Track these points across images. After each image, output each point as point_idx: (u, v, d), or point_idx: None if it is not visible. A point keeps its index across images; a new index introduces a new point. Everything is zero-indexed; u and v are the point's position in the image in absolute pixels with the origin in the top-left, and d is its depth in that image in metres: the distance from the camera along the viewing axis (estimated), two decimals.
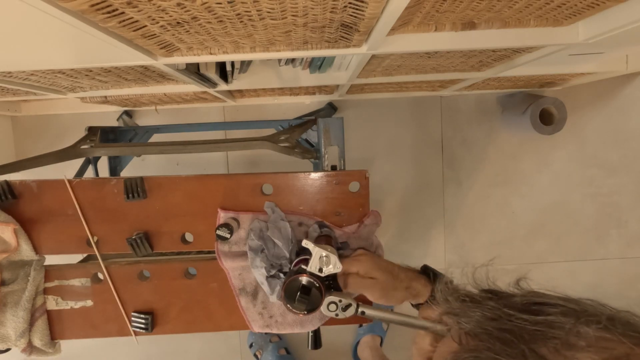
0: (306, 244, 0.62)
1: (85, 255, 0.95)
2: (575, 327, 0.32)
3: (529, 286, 0.41)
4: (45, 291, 0.81)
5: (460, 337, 0.38)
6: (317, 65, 0.96)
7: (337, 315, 0.62)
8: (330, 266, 0.61)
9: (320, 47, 0.69)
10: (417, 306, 0.70)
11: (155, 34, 0.57)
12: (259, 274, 0.76)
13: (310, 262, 0.61)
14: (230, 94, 1.33)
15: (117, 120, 1.48)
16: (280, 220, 0.77)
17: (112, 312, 0.82)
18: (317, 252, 0.61)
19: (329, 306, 0.61)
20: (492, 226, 1.63)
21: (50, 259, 0.83)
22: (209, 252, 0.84)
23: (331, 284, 0.65)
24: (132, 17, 0.49)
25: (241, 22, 0.54)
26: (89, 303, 0.82)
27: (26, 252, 0.79)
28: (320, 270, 0.61)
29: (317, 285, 0.60)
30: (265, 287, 0.77)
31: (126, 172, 1.39)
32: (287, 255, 0.74)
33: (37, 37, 0.61)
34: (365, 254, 0.72)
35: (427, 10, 0.59)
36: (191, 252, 0.87)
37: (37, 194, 0.80)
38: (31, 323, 0.78)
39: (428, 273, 0.71)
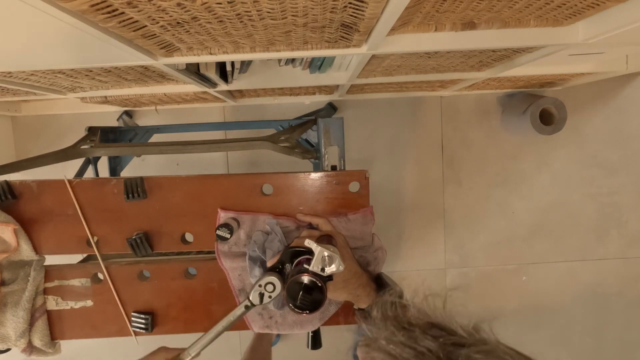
0: (309, 243, 0.62)
1: (85, 255, 0.95)
2: None
3: (489, 334, 0.32)
4: (45, 291, 0.81)
5: None
6: (317, 65, 0.96)
7: (270, 297, 0.62)
8: (333, 266, 0.60)
9: (320, 47, 0.69)
10: (358, 310, 0.71)
11: (155, 34, 0.57)
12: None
13: (313, 261, 0.60)
14: (230, 94, 1.33)
15: (117, 120, 1.48)
16: (279, 234, 0.78)
17: (112, 312, 0.82)
18: (320, 252, 0.60)
19: (266, 286, 0.62)
20: (492, 226, 1.63)
21: (50, 259, 0.83)
22: (209, 252, 0.84)
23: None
24: (132, 17, 0.49)
25: (241, 22, 0.54)
26: (89, 303, 0.82)
27: (26, 252, 0.79)
28: (323, 269, 0.60)
29: (319, 284, 0.60)
30: None
31: (126, 172, 1.39)
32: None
33: (37, 37, 0.61)
34: (344, 238, 0.74)
35: (427, 11, 0.59)
36: (191, 252, 0.87)
37: (37, 194, 0.79)
38: (31, 323, 0.78)
39: (379, 283, 0.72)
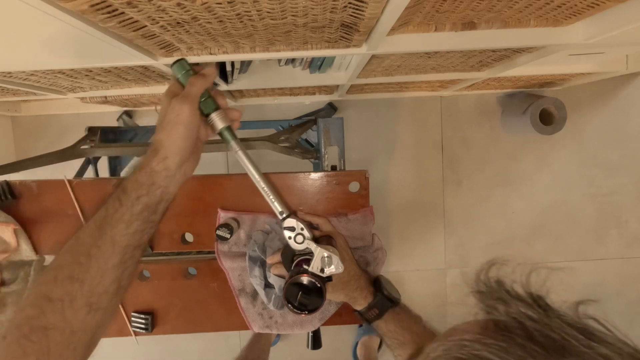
0: (309, 244, 0.62)
1: None
2: None
3: (591, 315, 0.33)
4: None
5: (487, 323, 0.33)
6: (317, 65, 0.96)
7: (289, 238, 0.65)
8: (332, 267, 0.61)
9: (320, 47, 0.69)
10: (356, 312, 0.72)
11: (155, 34, 0.57)
12: (257, 283, 0.76)
13: (312, 262, 0.61)
14: (230, 94, 1.33)
15: (117, 120, 1.48)
16: (279, 234, 0.77)
17: None
18: (319, 253, 0.61)
19: (297, 236, 0.64)
20: (492, 226, 1.63)
21: (50, 259, 0.83)
22: (209, 252, 0.84)
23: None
24: (132, 17, 0.49)
25: (241, 22, 0.54)
26: None
27: (26, 252, 0.79)
28: (322, 270, 0.60)
29: (319, 285, 0.60)
30: (262, 296, 0.77)
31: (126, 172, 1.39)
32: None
33: (37, 37, 0.61)
34: (345, 239, 0.74)
35: (427, 11, 0.59)
36: (191, 252, 0.87)
37: (37, 194, 0.79)
38: None
39: (376, 286, 0.72)
